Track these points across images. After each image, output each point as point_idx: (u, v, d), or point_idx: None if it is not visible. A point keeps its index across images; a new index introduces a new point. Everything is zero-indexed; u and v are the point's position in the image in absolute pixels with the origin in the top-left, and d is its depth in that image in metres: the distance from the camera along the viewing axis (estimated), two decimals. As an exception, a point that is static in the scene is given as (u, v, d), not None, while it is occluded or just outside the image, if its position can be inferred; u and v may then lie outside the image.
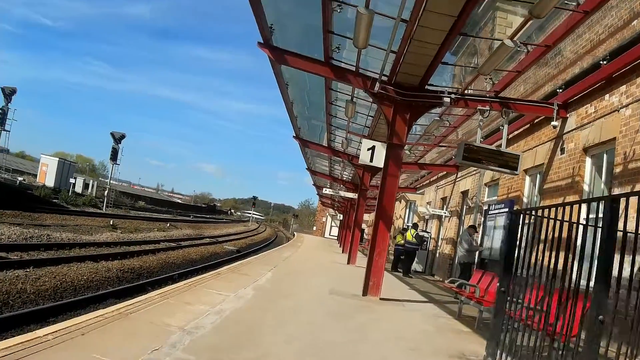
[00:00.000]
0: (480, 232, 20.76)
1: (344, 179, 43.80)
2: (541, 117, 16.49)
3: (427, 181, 35.86)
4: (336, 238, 78.50)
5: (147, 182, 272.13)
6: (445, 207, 29.91)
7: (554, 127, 14.99)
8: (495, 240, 19.15)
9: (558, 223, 6.51)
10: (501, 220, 18.68)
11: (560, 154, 15.01)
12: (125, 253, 24.22)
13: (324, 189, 39.14)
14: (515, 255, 7.58)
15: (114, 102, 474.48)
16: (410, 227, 28.24)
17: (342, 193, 37.96)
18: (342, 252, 40.34)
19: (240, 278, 14.58)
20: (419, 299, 17.08)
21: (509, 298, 7.55)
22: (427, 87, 14.89)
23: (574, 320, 6.05)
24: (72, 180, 68.84)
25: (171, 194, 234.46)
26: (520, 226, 7.74)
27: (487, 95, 15.53)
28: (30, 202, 44.09)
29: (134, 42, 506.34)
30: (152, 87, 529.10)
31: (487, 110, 15.12)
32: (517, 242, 7.60)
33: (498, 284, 7.92)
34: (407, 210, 42.13)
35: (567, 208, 6.39)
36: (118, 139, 64.02)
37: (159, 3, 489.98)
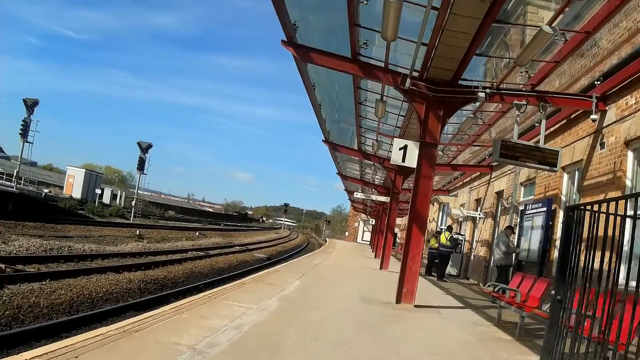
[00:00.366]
0: (517, 233, 19.99)
1: (376, 182, 43.12)
2: (578, 112, 15.79)
3: (460, 183, 35.06)
4: (368, 243, 77.75)
5: (177, 192, 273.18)
6: (479, 208, 29.17)
7: (593, 120, 14.26)
8: (532, 241, 18.39)
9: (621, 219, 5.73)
10: (539, 220, 18.01)
11: (600, 149, 14.26)
12: (149, 263, 23.88)
13: (355, 193, 38.26)
14: (572, 257, 6.67)
15: (139, 112, 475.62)
16: (444, 230, 27.45)
17: (374, 197, 37.25)
18: (375, 257, 39.74)
19: (265, 288, 13.82)
20: (455, 304, 16.39)
21: (566, 306, 6.72)
22: (460, 82, 14.25)
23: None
24: (97, 191, 68.84)
25: (202, 203, 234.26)
26: (578, 224, 6.84)
27: (523, 89, 14.80)
28: (55, 213, 44.01)
29: (157, 52, 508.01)
30: (176, 96, 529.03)
31: (523, 104, 14.40)
32: (574, 242, 6.70)
33: (553, 292, 7.07)
34: (440, 212, 41.31)
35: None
36: (145, 148, 63.74)
37: (182, 13, 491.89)
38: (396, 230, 43.98)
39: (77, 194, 67.00)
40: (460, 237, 29.45)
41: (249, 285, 14.19)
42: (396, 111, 20.20)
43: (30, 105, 54.23)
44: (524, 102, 14.38)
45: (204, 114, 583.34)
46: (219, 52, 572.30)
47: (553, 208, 17.42)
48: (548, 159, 13.76)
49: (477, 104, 16.52)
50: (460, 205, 34.40)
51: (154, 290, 19.06)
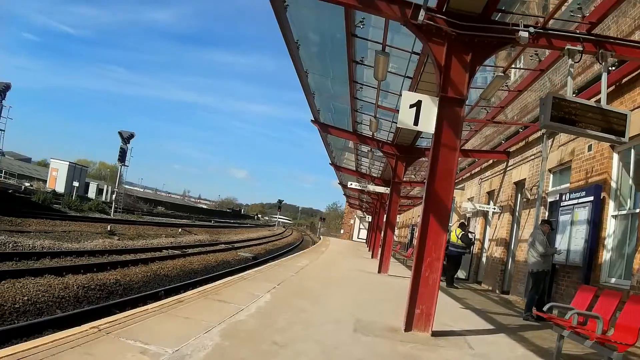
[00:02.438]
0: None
1: (373, 175, 39.05)
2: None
3: (468, 174, 31.16)
4: (365, 241, 74.71)
5: (173, 189, 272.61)
6: (491, 202, 25.25)
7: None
8: (573, 239, 14.55)
9: None
10: (583, 213, 14.13)
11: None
12: (106, 264, 20.63)
13: (350, 183, 33.94)
14: None
15: (136, 108, 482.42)
16: (455, 227, 23.41)
17: (371, 187, 32.95)
18: (372, 257, 35.88)
19: (211, 309, 9.34)
20: (482, 326, 12.07)
21: None
22: (492, 17, 10.17)
23: None
24: (75, 184, 65.21)
25: (197, 200, 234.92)
26: None
27: (578, 32, 10.64)
28: (25, 206, 40.57)
29: (153, 48, 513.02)
30: (173, 92, 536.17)
31: (578, 51, 10.21)
32: None
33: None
34: None
35: None
36: (126, 138, 59.26)
37: (178, 9, 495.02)
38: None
39: (60, 187, 64.31)
40: (472, 235, 25.32)
41: (187, 306, 9.37)
42: (402, 71, 15.99)
43: (2, 90, 49.99)
44: (579, 47, 10.19)
45: (201, 111, 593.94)
46: (216, 48, 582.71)
47: (602, 197, 13.62)
48: (613, 125, 9.76)
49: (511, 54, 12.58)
50: (468, 199, 30.54)
51: (95, 299, 15.71)
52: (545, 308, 9.54)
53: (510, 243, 21.97)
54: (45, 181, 70.37)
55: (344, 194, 72.98)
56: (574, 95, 11.31)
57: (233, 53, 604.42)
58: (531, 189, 19.50)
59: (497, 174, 24.87)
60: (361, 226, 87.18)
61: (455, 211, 32.67)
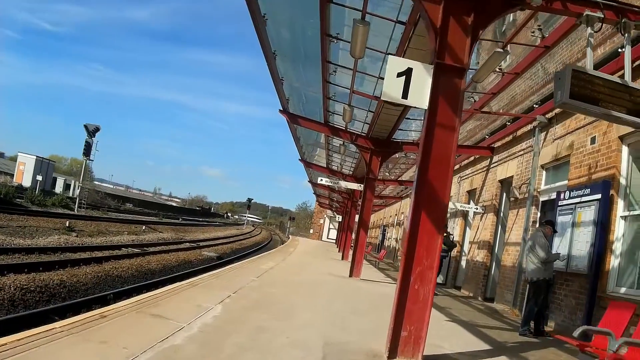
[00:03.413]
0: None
1: (344, 172, 37.16)
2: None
3: (445, 172, 29.20)
4: (334, 241, 73.26)
5: (145, 186, 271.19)
6: (473, 201, 23.61)
7: None
8: (576, 243, 12.88)
9: None
10: (588, 214, 12.47)
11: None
12: (55, 262, 18.84)
13: (320, 179, 31.75)
14: None
15: (115, 105, 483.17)
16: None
17: (344, 183, 30.92)
18: (342, 258, 33.77)
19: (140, 329, 7.12)
20: (476, 344, 10.12)
21: None
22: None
23: None
24: (39, 177, 63.07)
25: (169, 198, 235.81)
26: None
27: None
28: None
29: (134, 46, 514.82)
30: (151, 90, 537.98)
31: (598, 18, 8.33)
32: None
33: None
34: None
35: None
36: (92, 131, 56.73)
37: (158, 7, 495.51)
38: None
39: (27, 182, 63.45)
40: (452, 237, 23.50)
41: (111, 324, 7.18)
42: (383, 47, 13.97)
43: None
44: (599, 14, 8.32)
45: (177, 109, 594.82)
46: (194, 47, 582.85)
47: (610, 195, 11.92)
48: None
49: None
50: (445, 199, 28.71)
51: (33, 303, 13.84)
52: (576, 334, 7.46)
53: (494, 246, 20.40)
54: (13, 175, 69.03)
55: (314, 193, 71.56)
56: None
57: (210, 52, 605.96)
58: (520, 187, 17.85)
59: (479, 171, 23.24)
60: (331, 226, 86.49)
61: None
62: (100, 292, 16.56)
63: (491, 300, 19.06)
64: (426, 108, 7.77)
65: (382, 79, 14.50)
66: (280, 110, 22.09)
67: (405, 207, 42.03)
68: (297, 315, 10.43)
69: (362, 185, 23.51)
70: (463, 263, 24.13)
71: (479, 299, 19.89)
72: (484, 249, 20.70)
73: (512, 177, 19.02)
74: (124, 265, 21.75)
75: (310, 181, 51.45)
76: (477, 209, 22.00)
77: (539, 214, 16.38)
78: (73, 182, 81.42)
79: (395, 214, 49.93)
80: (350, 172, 36.22)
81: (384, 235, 57.56)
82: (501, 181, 20.47)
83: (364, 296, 15.74)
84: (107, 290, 17.01)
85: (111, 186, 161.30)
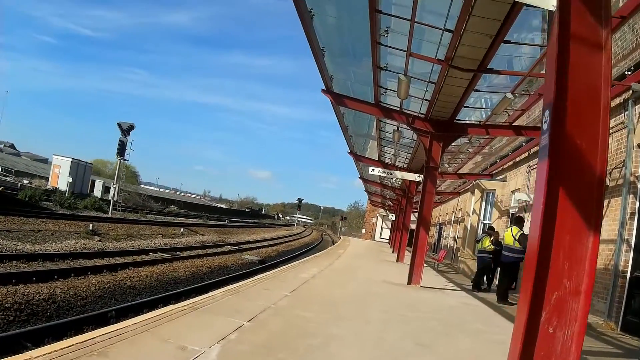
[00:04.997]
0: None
1: (398, 165, 33.73)
2: None
3: (511, 162, 25.83)
4: (387, 241, 70.08)
5: (194, 189, 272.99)
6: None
7: None
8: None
9: None
10: None
11: None
12: (53, 272, 16.16)
13: (372, 169, 27.68)
14: None
15: (156, 110, 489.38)
16: (512, 224, 18.07)
17: (399, 174, 27.29)
18: (397, 260, 30.72)
19: None
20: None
21: None
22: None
23: None
24: (68, 179, 60.37)
25: (219, 200, 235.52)
26: None
27: None
28: (9, 204, 35.86)
29: (175, 50, 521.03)
30: (192, 94, 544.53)
31: None
32: None
33: None
34: (484, 203, 31.29)
35: None
36: (125, 130, 53.84)
37: (198, 11, 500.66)
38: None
39: (63, 185, 59.51)
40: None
41: None
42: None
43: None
44: None
45: (223, 113, 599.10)
46: (236, 50, 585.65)
47: None
48: None
49: None
50: (512, 192, 25.29)
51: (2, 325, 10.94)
52: None
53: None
54: (48, 179, 66.56)
55: (366, 191, 68.35)
56: None
57: (251, 55, 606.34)
58: (610, 173, 14.39)
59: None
60: (384, 225, 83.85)
61: (496, 206, 27.54)
62: (101, 308, 13.68)
63: None
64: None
65: (448, 31, 11.51)
66: (323, 90, 18.90)
67: (463, 203, 38.43)
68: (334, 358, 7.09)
69: (421, 176, 20.12)
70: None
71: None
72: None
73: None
74: (142, 274, 18.94)
75: (361, 177, 48.26)
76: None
77: (637, 204, 13.13)
78: (111, 184, 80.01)
79: (453, 211, 46.42)
80: (405, 165, 32.80)
81: (440, 234, 54.34)
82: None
83: (429, 313, 12.29)
84: (113, 304, 14.22)
85: (157, 189, 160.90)
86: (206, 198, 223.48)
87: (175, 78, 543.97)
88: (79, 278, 16.08)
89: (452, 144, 21.64)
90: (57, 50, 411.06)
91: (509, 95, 14.63)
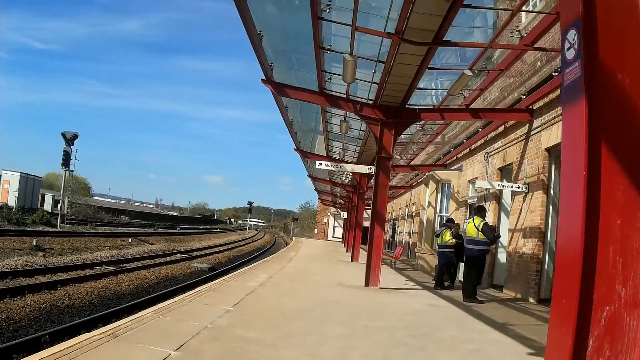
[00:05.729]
0: None
1: (347, 160, 32.31)
2: None
3: (467, 149, 24.81)
4: (341, 240, 69.79)
5: (147, 199, 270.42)
6: (507, 180, 19.14)
7: None
8: None
9: None
10: None
11: None
12: None
13: (319, 163, 25.10)
14: None
15: (112, 120, 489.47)
16: (474, 214, 16.85)
17: (349, 166, 25.34)
18: (352, 260, 29.47)
19: None
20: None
21: None
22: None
23: None
24: (15, 194, 58.74)
25: (171, 209, 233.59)
26: None
27: None
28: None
29: (126, 59, 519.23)
30: (146, 102, 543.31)
31: None
32: None
33: None
34: (439, 194, 29.99)
35: None
36: (70, 139, 52.10)
37: (148, 18, 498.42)
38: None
39: (12, 201, 58.23)
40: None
41: None
42: None
43: None
44: None
45: (176, 119, 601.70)
46: (186, 56, 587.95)
47: None
48: None
49: None
50: (469, 181, 24.22)
51: None
52: None
53: (546, 233, 15.93)
54: (-3, 196, 65.10)
55: (315, 189, 66.93)
56: None
57: (204, 60, 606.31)
58: None
59: (514, 142, 18.78)
60: (336, 224, 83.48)
61: (453, 198, 26.47)
62: (35, 331, 12.01)
63: (546, 301, 14.88)
64: None
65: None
66: (262, 79, 17.28)
67: (417, 196, 37.32)
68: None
69: (373, 168, 18.68)
70: (501, 257, 19.63)
71: (531, 300, 15.57)
72: (532, 238, 16.19)
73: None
74: (83, 290, 17.38)
75: (310, 176, 46.75)
76: (518, 187, 17.38)
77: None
78: (62, 197, 78.07)
79: (406, 206, 45.44)
80: (355, 160, 31.54)
81: (394, 230, 53.40)
82: (549, 150, 16.03)
83: (395, 321, 10.67)
84: (49, 327, 12.63)
85: (109, 200, 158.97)
86: (159, 207, 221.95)
87: (132, 87, 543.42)
88: (15, 299, 14.77)
89: (405, 132, 20.37)
90: (11, 65, 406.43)
91: (467, 72, 13.19)
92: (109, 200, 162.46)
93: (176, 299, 11.35)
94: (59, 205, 54.67)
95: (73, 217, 57.73)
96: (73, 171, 56.96)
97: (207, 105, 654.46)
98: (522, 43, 12.55)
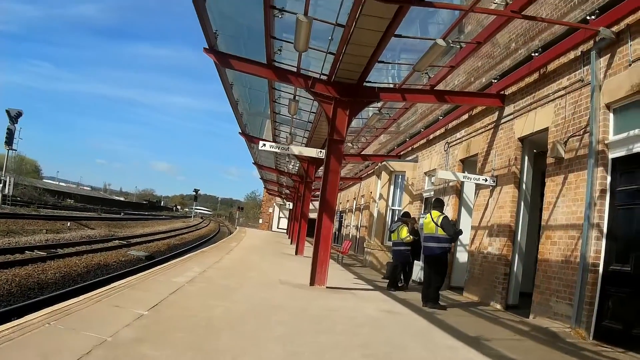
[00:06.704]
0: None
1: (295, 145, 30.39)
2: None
3: (424, 139, 23.17)
4: (286, 231, 68.97)
5: (96, 183, 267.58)
6: (476, 172, 17.14)
7: None
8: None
9: None
10: None
11: None
12: None
13: (262, 144, 21.81)
14: None
15: (63, 103, 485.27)
16: (432, 208, 14.99)
17: (296, 149, 21.96)
18: (296, 253, 27.79)
19: None
20: None
21: None
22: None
23: None
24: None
25: (119, 194, 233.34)
26: None
27: None
28: None
29: (81, 43, 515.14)
30: (100, 87, 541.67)
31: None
32: None
33: None
34: (392, 187, 28.18)
35: None
36: (14, 117, 51.27)
37: (104, 3, 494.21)
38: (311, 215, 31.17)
39: None
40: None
41: None
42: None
43: None
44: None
45: (126, 105, 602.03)
46: (139, 42, 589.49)
47: None
48: None
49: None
50: (425, 173, 22.57)
51: None
52: None
53: (516, 232, 14.42)
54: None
55: (261, 178, 64.90)
56: None
57: (157, 46, 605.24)
58: (566, 142, 11.83)
59: (480, 131, 17.18)
60: (281, 215, 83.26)
61: (407, 190, 24.71)
62: None
63: (514, 308, 13.70)
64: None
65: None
66: (205, 48, 15.05)
67: (367, 188, 35.72)
68: None
69: (323, 152, 16.58)
70: (461, 256, 18.13)
71: (498, 306, 14.06)
72: (500, 237, 14.66)
73: (545, 130, 13.14)
74: (4, 278, 15.51)
75: (255, 163, 44.66)
76: (485, 180, 15.64)
77: (609, 179, 10.38)
78: (8, 178, 75.58)
79: (354, 198, 43.93)
80: (304, 145, 29.41)
81: (340, 223, 51.78)
82: (522, 139, 14.52)
83: (348, 334, 8.52)
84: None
85: (59, 183, 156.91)
86: (107, 192, 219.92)
87: (84, 72, 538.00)
88: None
89: (358, 117, 18.69)
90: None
91: (440, 41, 11.13)
92: (58, 183, 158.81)
93: (81, 297, 9.09)
94: (0, 186, 52.06)
95: (18, 198, 56.78)
96: (16, 150, 56.79)
97: (156, 92, 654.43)
98: (509, 9, 10.64)
